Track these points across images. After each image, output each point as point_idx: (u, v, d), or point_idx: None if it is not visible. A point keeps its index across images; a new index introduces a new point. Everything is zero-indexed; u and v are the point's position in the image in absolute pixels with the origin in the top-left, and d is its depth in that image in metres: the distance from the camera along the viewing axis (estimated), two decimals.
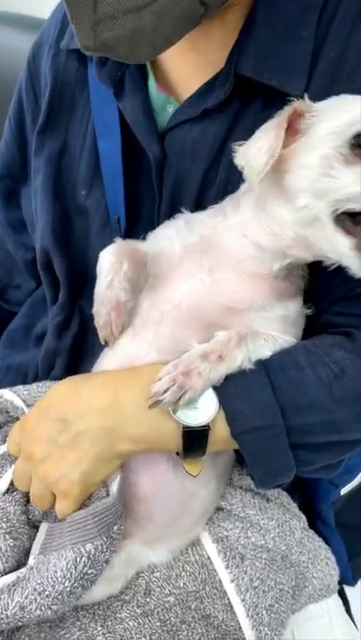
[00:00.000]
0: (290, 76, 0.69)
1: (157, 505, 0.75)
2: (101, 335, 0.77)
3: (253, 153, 0.64)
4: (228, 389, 0.68)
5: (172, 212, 0.78)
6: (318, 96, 0.69)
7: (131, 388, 0.69)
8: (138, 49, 0.62)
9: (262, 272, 0.72)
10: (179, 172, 0.77)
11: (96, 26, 0.60)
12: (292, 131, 0.65)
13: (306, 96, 0.66)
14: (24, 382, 0.89)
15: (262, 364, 0.69)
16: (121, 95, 0.78)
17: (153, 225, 0.80)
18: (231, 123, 0.73)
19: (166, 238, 0.77)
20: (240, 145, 0.67)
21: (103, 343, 0.78)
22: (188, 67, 0.76)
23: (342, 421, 0.68)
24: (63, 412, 0.70)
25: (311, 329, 0.75)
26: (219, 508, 0.83)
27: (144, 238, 0.80)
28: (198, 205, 0.77)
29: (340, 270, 0.71)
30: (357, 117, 0.63)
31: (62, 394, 0.73)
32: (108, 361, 0.79)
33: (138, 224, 0.81)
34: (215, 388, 0.68)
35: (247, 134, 0.70)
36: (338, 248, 0.66)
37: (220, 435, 0.68)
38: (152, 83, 0.80)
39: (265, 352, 0.70)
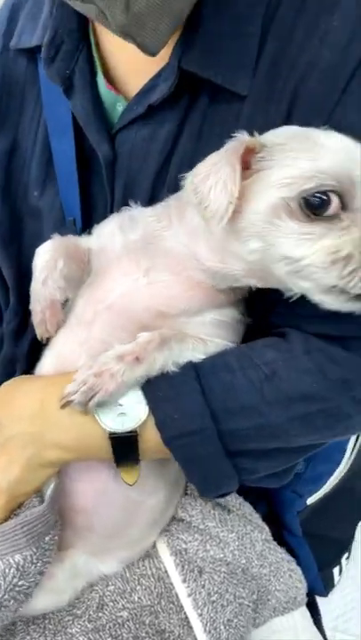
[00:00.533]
0: (236, 73, 0.66)
1: (99, 515, 0.73)
2: (38, 332, 0.75)
3: (207, 192, 0.59)
4: (158, 393, 0.65)
5: None
6: (260, 90, 0.66)
7: (56, 395, 0.66)
8: (161, 24, 0.60)
9: (203, 282, 0.69)
10: (130, 172, 0.74)
11: None
12: (243, 164, 0.61)
13: (256, 133, 0.62)
14: None
15: (193, 368, 0.66)
16: (71, 93, 0.75)
17: None
18: (181, 121, 0.70)
19: (109, 234, 0.74)
20: (182, 175, 0.63)
21: (40, 340, 0.76)
22: (135, 63, 0.73)
23: (276, 425, 0.65)
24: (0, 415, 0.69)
25: (256, 332, 0.72)
26: (179, 520, 0.81)
27: (90, 233, 0.77)
28: (152, 204, 0.74)
29: None
30: (307, 171, 0.58)
31: (1, 397, 0.72)
32: (46, 360, 0.76)
33: (93, 225, 0.78)
34: (145, 393, 0.65)
35: (195, 132, 0.68)
36: (302, 287, 0.62)
37: (152, 440, 0.65)
38: (101, 80, 0.77)
39: (193, 355, 0.67)
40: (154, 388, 0.65)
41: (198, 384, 0.64)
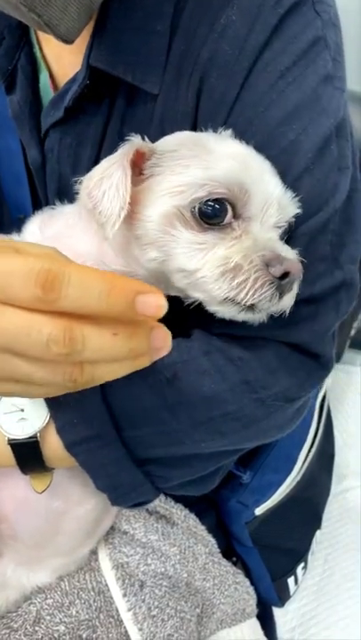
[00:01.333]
0: (145, 71, 0.64)
1: (21, 524, 0.71)
2: None
3: (101, 197, 0.57)
4: (59, 398, 0.62)
5: None
6: (170, 88, 0.64)
7: None
8: (70, 6, 0.57)
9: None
10: (62, 178, 0.73)
11: None
12: (136, 169, 0.59)
13: (146, 138, 0.60)
14: None
15: None
16: (12, 90, 0.74)
17: None
18: (104, 124, 0.69)
19: (30, 233, 0.72)
20: (78, 180, 0.61)
21: None
22: (67, 64, 0.71)
23: (180, 430, 0.63)
24: None
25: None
26: (122, 532, 0.79)
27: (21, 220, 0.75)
28: None
29: None
30: (199, 179, 0.57)
31: None
32: None
33: None
34: (46, 398, 0.63)
35: (116, 135, 0.66)
36: (198, 297, 0.60)
37: (55, 447, 0.63)
38: (45, 79, 0.75)
39: None
40: None
41: (99, 388, 0.62)
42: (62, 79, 0.75)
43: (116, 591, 0.75)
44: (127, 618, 0.74)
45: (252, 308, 0.57)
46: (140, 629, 0.74)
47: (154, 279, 0.63)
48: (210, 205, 0.57)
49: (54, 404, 0.62)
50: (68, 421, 0.62)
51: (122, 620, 0.74)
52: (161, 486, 0.67)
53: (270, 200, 0.58)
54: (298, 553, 0.98)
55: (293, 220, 0.61)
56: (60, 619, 0.73)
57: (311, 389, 0.68)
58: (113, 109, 0.68)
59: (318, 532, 1.04)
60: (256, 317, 0.59)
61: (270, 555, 0.91)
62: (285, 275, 0.56)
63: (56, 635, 0.72)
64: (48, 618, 0.73)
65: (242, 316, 0.59)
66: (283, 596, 0.97)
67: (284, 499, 0.90)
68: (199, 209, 0.57)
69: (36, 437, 0.62)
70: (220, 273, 0.56)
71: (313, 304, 0.64)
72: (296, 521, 0.95)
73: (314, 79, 0.61)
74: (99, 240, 0.65)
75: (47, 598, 0.75)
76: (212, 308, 0.59)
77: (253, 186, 0.57)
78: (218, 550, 0.83)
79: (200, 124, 0.64)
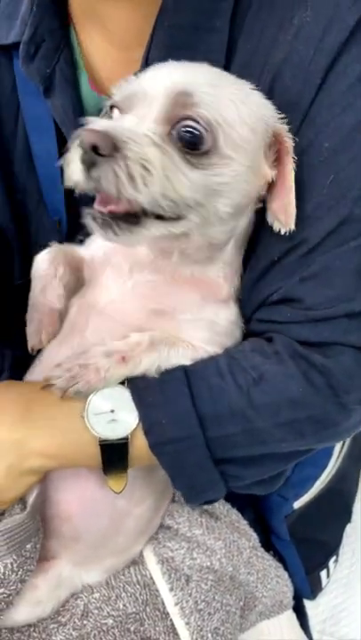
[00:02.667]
0: None
1: (85, 525, 0.71)
2: (30, 342, 0.73)
3: None
4: (147, 398, 0.64)
5: None
6: None
7: (44, 401, 0.65)
8: None
9: (182, 272, 0.68)
10: None
11: None
12: None
13: None
14: None
15: (184, 372, 0.65)
16: (51, 93, 0.74)
17: None
18: None
19: (95, 243, 0.73)
20: None
21: (30, 351, 0.74)
22: (114, 63, 0.71)
23: (263, 430, 0.64)
24: None
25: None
26: (165, 527, 0.80)
27: (81, 242, 0.76)
28: None
29: (261, 278, 0.68)
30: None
31: None
32: (36, 368, 0.75)
33: (81, 227, 0.77)
34: (135, 398, 0.64)
35: None
36: None
37: (141, 447, 0.64)
38: (85, 80, 0.75)
39: (179, 361, 0.66)
40: (144, 393, 0.64)
41: (187, 388, 0.63)
42: (108, 78, 0.74)
43: (162, 585, 0.76)
44: (174, 612, 0.75)
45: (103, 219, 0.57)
46: (187, 623, 0.75)
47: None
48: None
49: (143, 405, 0.63)
50: (157, 422, 0.63)
51: (168, 614, 0.75)
52: (233, 485, 0.68)
53: (149, 93, 0.58)
54: (330, 546, 0.99)
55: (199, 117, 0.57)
56: (108, 612, 0.74)
57: None
58: None
59: (348, 526, 1.05)
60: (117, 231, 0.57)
61: (305, 548, 0.92)
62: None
63: (104, 628, 0.73)
64: (96, 612, 0.74)
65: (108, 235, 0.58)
66: (315, 589, 0.98)
67: (320, 492, 0.91)
68: None
69: (127, 439, 0.63)
70: None
71: None
72: (330, 514, 0.96)
73: None
74: None
75: (93, 592, 0.75)
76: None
77: (138, 86, 0.59)
78: (259, 544, 0.84)
79: None
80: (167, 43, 0.65)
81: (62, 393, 0.64)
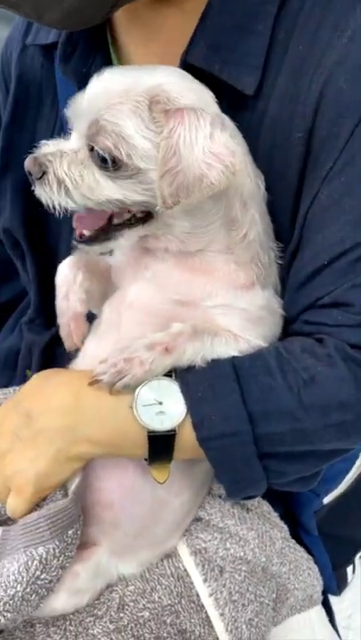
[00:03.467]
0: (241, 70, 0.66)
1: (125, 512, 0.72)
2: (66, 346, 0.77)
3: None
4: (197, 393, 0.65)
5: None
6: (286, 89, 0.66)
7: (93, 390, 0.67)
8: (47, 13, 0.59)
9: (186, 261, 0.70)
10: None
11: None
12: None
13: None
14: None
15: (233, 368, 0.66)
16: None
17: None
18: None
19: (121, 248, 0.76)
20: None
21: (69, 354, 0.77)
22: (152, 58, 0.73)
23: (311, 430, 0.65)
24: (29, 406, 0.69)
25: (283, 335, 0.73)
26: (197, 519, 0.80)
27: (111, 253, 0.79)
28: None
29: (310, 280, 0.69)
30: None
31: (31, 388, 0.72)
32: (79, 362, 0.77)
33: None
34: (183, 392, 0.65)
35: None
36: None
37: (187, 440, 0.66)
38: None
39: (224, 351, 0.67)
40: (193, 387, 0.65)
41: (238, 385, 0.65)
42: None
43: (196, 577, 0.76)
44: (209, 603, 0.75)
45: None
46: (222, 614, 0.75)
47: None
48: None
49: (192, 399, 0.65)
50: (206, 417, 0.64)
51: (202, 606, 0.75)
52: (275, 481, 0.69)
53: (80, 113, 0.66)
54: (357, 542, 1.00)
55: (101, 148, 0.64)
56: (144, 605, 0.74)
57: None
58: None
59: None
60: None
61: (333, 544, 0.92)
62: None
63: (141, 620, 0.73)
64: (132, 604, 0.74)
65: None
66: (341, 585, 0.99)
67: (348, 487, 0.91)
68: None
69: (175, 431, 0.64)
70: None
71: None
72: (357, 510, 0.97)
73: None
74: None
75: (128, 585, 0.75)
76: None
77: (75, 106, 0.67)
78: (290, 536, 0.84)
79: (320, 125, 0.66)
80: (208, 42, 0.67)
81: (110, 388, 0.65)
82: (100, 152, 0.63)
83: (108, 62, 0.76)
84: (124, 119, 0.62)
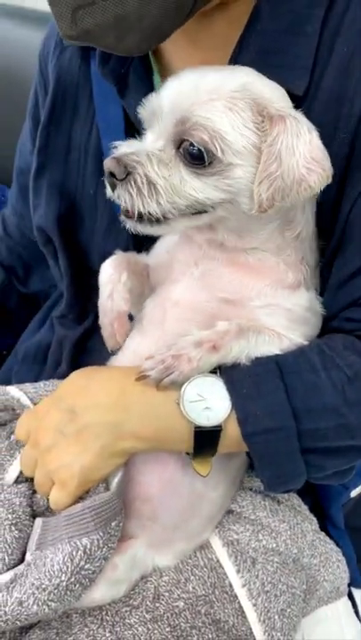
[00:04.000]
0: (293, 73, 0.67)
1: (163, 506, 0.74)
2: (109, 345, 0.77)
3: None
4: (241, 390, 0.66)
5: None
6: (331, 90, 0.66)
7: (139, 386, 0.68)
8: (126, 39, 0.60)
9: (238, 259, 0.71)
10: None
11: (76, 12, 0.58)
12: None
13: None
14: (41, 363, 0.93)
15: (277, 365, 0.67)
16: (125, 92, 0.77)
17: None
18: None
19: (159, 248, 0.78)
20: None
21: (111, 352, 0.78)
22: (195, 62, 0.73)
23: (355, 425, 0.67)
24: (72, 403, 0.70)
25: (321, 332, 0.74)
26: (229, 511, 0.81)
27: (148, 249, 0.80)
28: None
29: (352, 279, 0.70)
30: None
31: (74, 385, 0.73)
32: (120, 359, 0.78)
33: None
34: (228, 389, 0.67)
35: None
36: None
37: (232, 435, 0.67)
38: (157, 79, 0.78)
39: (269, 350, 0.69)
40: (237, 384, 0.67)
41: (282, 382, 0.66)
42: None
43: (229, 568, 0.77)
44: (242, 594, 0.76)
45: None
46: (255, 605, 0.76)
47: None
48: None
49: (237, 395, 0.66)
50: (251, 413, 0.66)
51: (235, 596, 0.76)
52: (314, 475, 0.70)
53: (161, 111, 0.65)
54: None
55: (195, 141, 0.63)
56: (179, 595, 0.75)
57: None
58: None
59: None
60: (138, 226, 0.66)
61: (357, 536, 0.93)
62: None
63: (176, 610, 0.74)
64: (167, 594, 0.75)
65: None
66: None
67: None
68: None
69: (221, 427, 0.66)
70: None
71: None
72: None
73: None
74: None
75: (162, 576, 0.76)
76: None
77: (152, 106, 0.66)
78: (319, 529, 0.85)
79: None
80: (258, 46, 0.68)
81: (157, 384, 0.66)
82: (194, 147, 0.62)
83: (146, 64, 0.77)
84: (220, 115, 0.62)
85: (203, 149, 0.62)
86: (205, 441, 0.67)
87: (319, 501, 0.90)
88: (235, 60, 0.68)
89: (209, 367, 0.67)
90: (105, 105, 0.79)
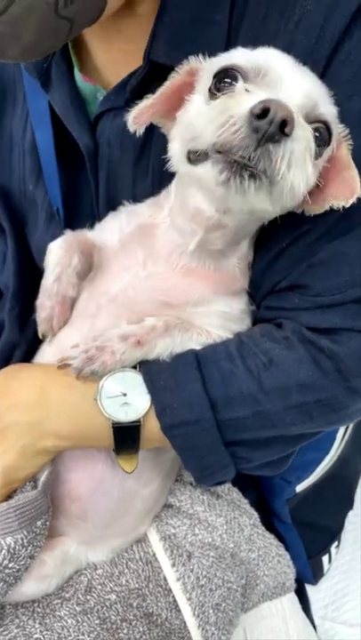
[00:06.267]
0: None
1: (93, 505, 0.73)
2: (40, 329, 0.75)
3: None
4: (159, 382, 0.66)
5: (110, 204, 0.76)
6: None
7: (58, 384, 0.67)
8: (8, 51, 0.58)
9: (196, 266, 0.69)
10: (111, 162, 0.75)
11: None
12: (190, 88, 0.62)
13: (200, 57, 0.62)
14: None
15: (195, 357, 0.66)
16: (49, 86, 0.76)
17: (93, 216, 0.78)
18: None
19: (109, 230, 0.75)
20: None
21: (41, 337, 0.76)
22: (118, 54, 0.73)
23: (272, 412, 0.65)
24: None
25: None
26: (167, 505, 0.81)
27: (90, 226, 0.77)
28: (135, 196, 0.74)
29: (270, 265, 0.69)
30: (222, 62, 0.60)
31: None
32: (46, 351, 0.77)
33: (79, 215, 0.79)
34: (147, 382, 0.66)
35: None
36: (203, 182, 0.59)
37: (153, 430, 0.66)
38: (77, 74, 0.77)
39: (194, 346, 0.67)
40: (155, 377, 0.66)
41: (199, 372, 0.65)
42: (109, 70, 0.76)
43: (164, 561, 0.77)
44: (176, 587, 0.76)
45: (239, 166, 0.54)
46: (189, 599, 0.75)
47: (201, 227, 0.66)
48: (224, 81, 0.59)
49: (154, 388, 0.65)
50: (169, 405, 0.65)
51: (170, 590, 0.76)
52: (242, 467, 0.69)
53: (287, 78, 0.58)
54: (333, 531, 1.00)
55: (328, 121, 0.60)
56: (111, 588, 0.75)
57: None
58: None
59: (350, 513, 1.05)
60: (251, 187, 0.55)
61: (307, 532, 0.93)
62: (265, 112, 0.51)
63: (107, 603, 0.74)
64: (99, 587, 0.75)
65: (234, 186, 0.55)
66: (317, 574, 0.99)
67: (322, 477, 0.92)
68: (214, 84, 0.59)
69: (139, 422, 0.65)
70: (216, 122, 0.55)
71: None
72: (332, 499, 0.97)
73: None
74: (174, 215, 0.68)
75: (97, 569, 0.76)
76: (204, 178, 0.58)
77: (272, 65, 0.58)
78: (260, 523, 0.85)
79: None
80: (168, 37, 0.66)
81: (78, 373, 0.66)
82: (320, 131, 0.59)
83: (67, 58, 0.76)
84: (330, 104, 0.60)
85: (326, 133, 0.59)
86: (126, 437, 0.66)
87: (263, 495, 0.90)
88: (148, 53, 0.67)
89: (132, 362, 0.66)
90: (35, 100, 0.78)
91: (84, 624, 0.72)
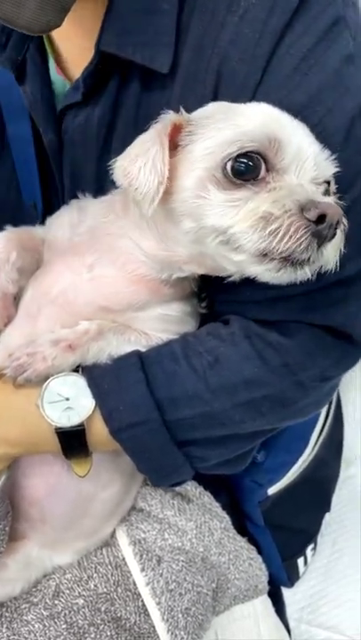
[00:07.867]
0: (154, 50, 0.64)
1: (51, 508, 0.73)
2: None
3: (137, 173, 0.58)
4: (103, 385, 0.65)
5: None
6: (187, 70, 0.65)
7: (4, 389, 0.66)
8: (25, 5, 0.57)
9: (148, 275, 0.68)
10: (75, 158, 0.74)
11: None
12: (171, 144, 0.59)
13: (182, 109, 0.60)
14: None
15: (139, 358, 0.66)
16: (23, 79, 0.75)
17: None
18: (112, 106, 0.69)
19: (58, 226, 0.74)
20: (114, 161, 0.61)
21: None
22: (75, 49, 0.73)
23: (221, 412, 0.65)
24: None
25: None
26: (138, 510, 0.81)
27: (43, 223, 0.76)
28: (100, 192, 0.73)
29: None
30: (229, 137, 0.57)
31: None
32: None
33: (55, 208, 0.77)
34: (91, 386, 0.65)
35: (131, 117, 0.67)
36: (236, 260, 0.59)
37: (100, 433, 0.65)
38: (52, 66, 0.77)
39: (131, 349, 0.67)
40: (99, 380, 0.65)
41: (143, 373, 0.64)
42: (73, 63, 0.75)
43: (133, 566, 0.77)
44: (145, 592, 0.76)
45: (292, 263, 0.55)
46: (158, 603, 0.75)
47: (192, 259, 0.64)
48: (241, 162, 0.56)
49: (99, 392, 0.64)
50: (114, 408, 0.64)
51: (139, 594, 0.76)
52: (198, 466, 0.69)
53: (304, 151, 0.57)
54: (308, 534, 1.00)
55: (331, 180, 0.60)
56: (79, 592, 0.75)
57: (347, 369, 0.70)
58: (125, 91, 0.69)
59: (327, 515, 1.05)
60: (299, 274, 0.57)
61: (281, 535, 0.92)
62: (322, 218, 0.54)
63: (75, 608, 0.73)
64: (67, 592, 0.75)
65: (284, 276, 0.57)
66: (292, 577, 0.99)
67: (295, 479, 0.92)
68: (231, 167, 0.56)
69: (83, 426, 0.64)
70: (252, 224, 0.55)
71: (344, 286, 0.65)
72: (307, 502, 0.97)
73: (336, 59, 0.62)
74: (134, 230, 0.66)
75: (66, 573, 0.76)
76: (251, 269, 0.58)
77: (285, 137, 0.57)
78: (232, 526, 0.85)
79: None
80: (117, 29, 0.65)
81: (12, 382, 0.65)
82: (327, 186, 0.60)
83: (41, 51, 0.75)
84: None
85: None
86: (73, 441, 0.65)
87: (235, 498, 0.89)
88: (98, 44, 0.66)
89: (67, 367, 0.65)
90: (7, 90, 0.78)
91: (51, 629, 0.71)
